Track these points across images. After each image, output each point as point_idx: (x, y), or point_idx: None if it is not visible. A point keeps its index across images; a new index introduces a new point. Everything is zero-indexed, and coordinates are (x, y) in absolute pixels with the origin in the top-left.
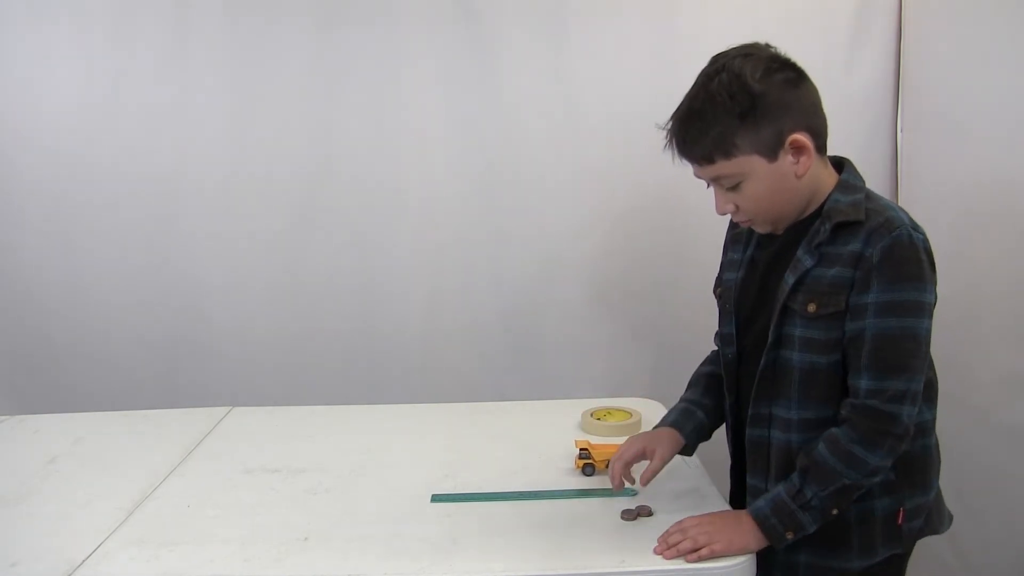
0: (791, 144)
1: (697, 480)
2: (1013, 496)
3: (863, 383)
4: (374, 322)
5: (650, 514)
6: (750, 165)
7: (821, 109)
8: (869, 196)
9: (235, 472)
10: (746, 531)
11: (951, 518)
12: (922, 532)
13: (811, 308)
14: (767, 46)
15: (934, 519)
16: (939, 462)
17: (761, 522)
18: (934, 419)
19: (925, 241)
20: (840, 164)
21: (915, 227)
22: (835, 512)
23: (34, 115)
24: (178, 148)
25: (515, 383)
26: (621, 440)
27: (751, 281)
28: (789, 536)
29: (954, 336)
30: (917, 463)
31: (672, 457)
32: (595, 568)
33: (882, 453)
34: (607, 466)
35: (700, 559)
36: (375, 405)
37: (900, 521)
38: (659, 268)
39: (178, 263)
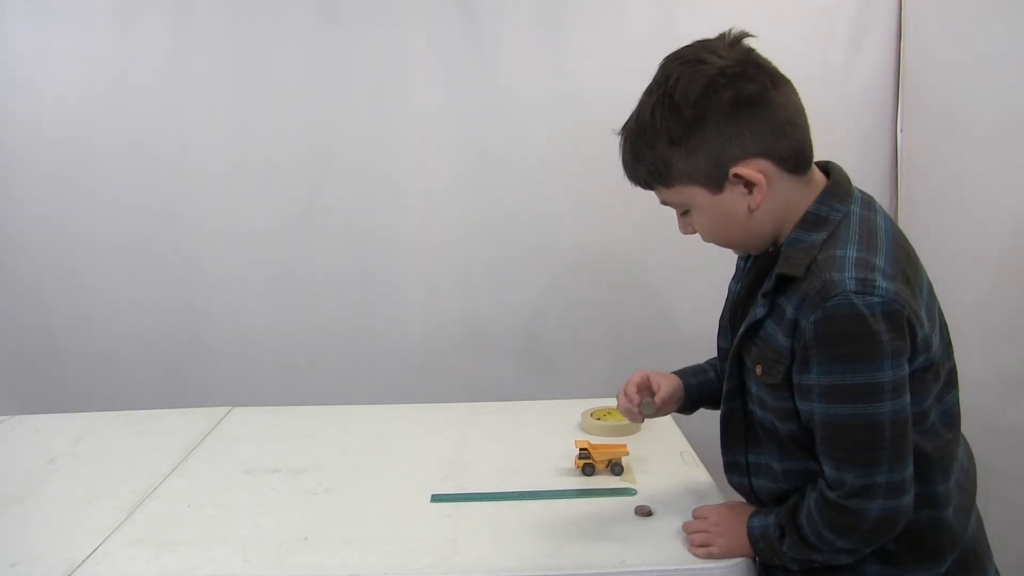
0: (736, 176)
1: (697, 479)
2: (1013, 496)
3: (825, 469)
4: (374, 322)
5: (650, 514)
6: (690, 196)
7: (795, 125)
8: (834, 237)
9: (235, 472)
10: (745, 541)
11: None
12: None
13: (758, 371)
14: (737, 40)
15: None
16: (962, 532)
17: (752, 541)
18: (949, 491)
19: (885, 304)
20: (828, 172)
21: (865, 289)
22: (818, 564)
23: (34, 115)
24: (178, 148)
25: (515, 383)
26: (621, 440)
27: (742, 298)
28: (776, 562)
29: (954, 336)
30: (923, 536)
31: (675, 395)
32: (595, 568)
33: (854, 541)
34: (607, 466)
35: (698, 555)
36: (375, 405)
37: None
38: (661, 267)
39: (178, 263)
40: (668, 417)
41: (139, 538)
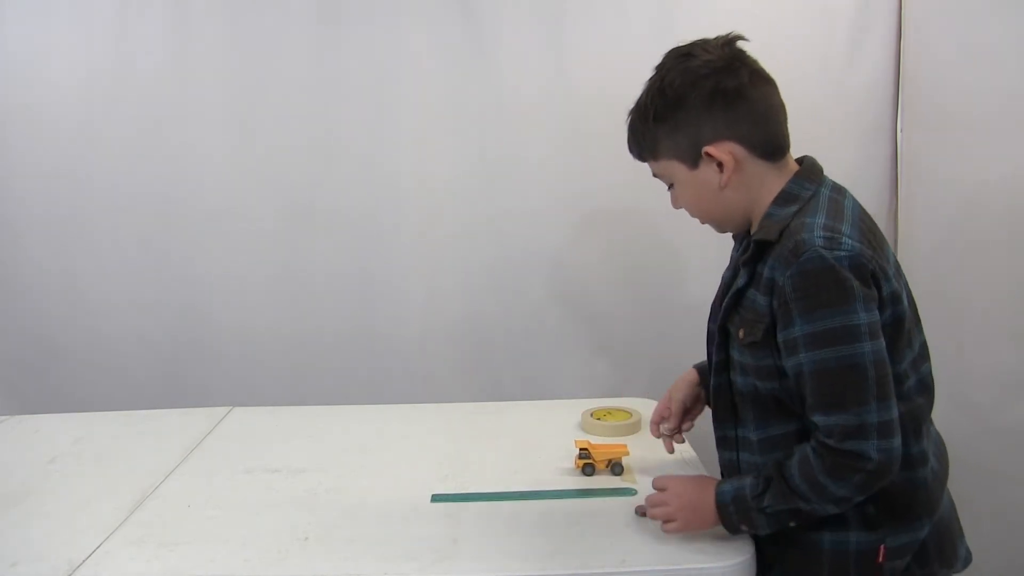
0: (707, 155)
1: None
2: (1013, 496)
3: (817, 420)
4: (374, 322)
5: None
6: (672, 169)
7: (770, 119)
8: (803, 210)
9: (235, 472)
10: (706, 512)
11: (967, 560)
12: (909, 572)
13: (741, 334)
14: (730, 41)
15: (930, 559)
16: (933, 496)
17: (720, 507)
18: (923, 451)
19: (852, 258)
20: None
21: (832, 245)
22: (792, 524)
23: (33, 115)
24: (178, 147)
25: (515, 383)
26: (621, 440)
27: (729, 281)
28: (743, 528)
29: (954, 336)
30: (900, 498)
31: (692, 399)
32: (595, 568)
33: (851, 487)
34: (607, 466)
35: (660, 526)
36: (375, 405)
37: (881, 559)
38: (661, 267)
39: (178, 264)
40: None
41: (139, 538)
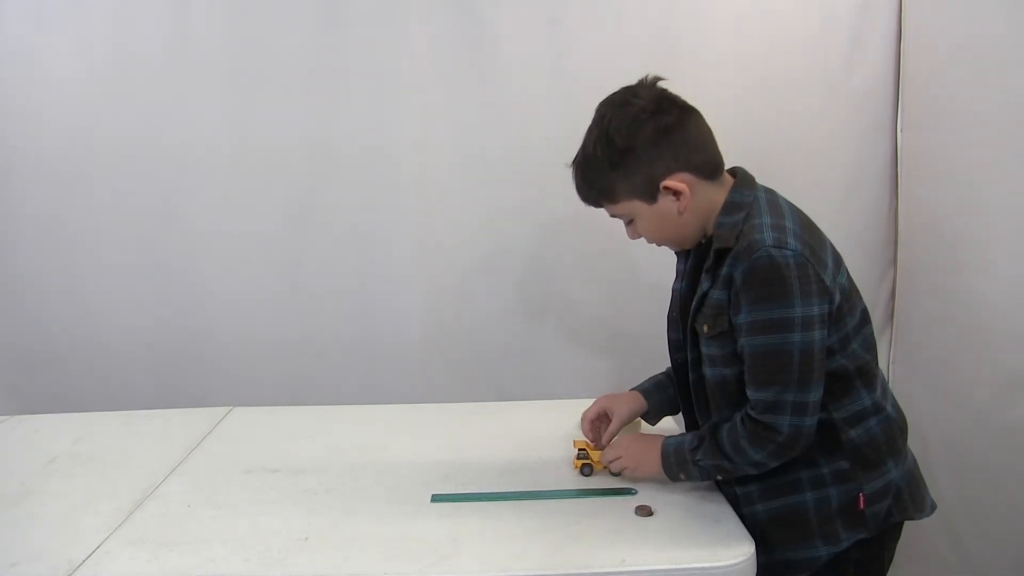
0: (664, 188)
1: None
2: (1013, 496)
3: (749, 394)
4: (374, 322)
5: (650, 514)
6: (632, 208)
7: (705, 143)
8: (750, 214)
9: (235, 472)
10: (652, 461)
11: (933, 507)
12: (891, 516)
13: (706, 329)
14: (653, 84)
15: (905, 503)
16: (895, 441)
17: (663, 458)
18: (875, 403)
19: (797, 256)
20: (735, 174)
21: (781, 245)
22: (719, 477)
23: (33, 114)
24: (177, 148)
25: (515, 383)
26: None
27: (686, 292)
28: (681, 477)
29: (954, 336)
30: (864, 448)
31: (631, 419)
32: (595, 568)
33: (765, 453)
34: (605, 466)
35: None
36: (375, 405)
37: (862, 506)
38: (660, 267)
39: (178, 264)
40: (668, 417)
41: (139, 538)
